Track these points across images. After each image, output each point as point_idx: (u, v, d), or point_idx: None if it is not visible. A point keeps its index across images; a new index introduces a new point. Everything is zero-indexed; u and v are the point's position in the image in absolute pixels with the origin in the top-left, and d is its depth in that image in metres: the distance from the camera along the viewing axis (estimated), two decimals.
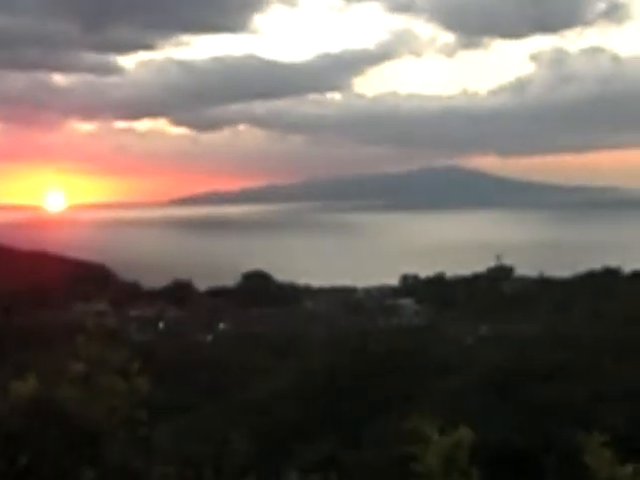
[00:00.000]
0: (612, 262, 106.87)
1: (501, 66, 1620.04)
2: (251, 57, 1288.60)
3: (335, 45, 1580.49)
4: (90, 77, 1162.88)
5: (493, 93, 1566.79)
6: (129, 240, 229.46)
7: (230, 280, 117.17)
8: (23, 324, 70.66)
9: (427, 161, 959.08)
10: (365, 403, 39.37)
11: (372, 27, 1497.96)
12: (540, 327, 65.19)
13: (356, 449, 33.73)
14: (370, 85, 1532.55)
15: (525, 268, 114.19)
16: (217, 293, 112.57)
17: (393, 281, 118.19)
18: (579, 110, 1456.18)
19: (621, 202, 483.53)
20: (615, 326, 49.94)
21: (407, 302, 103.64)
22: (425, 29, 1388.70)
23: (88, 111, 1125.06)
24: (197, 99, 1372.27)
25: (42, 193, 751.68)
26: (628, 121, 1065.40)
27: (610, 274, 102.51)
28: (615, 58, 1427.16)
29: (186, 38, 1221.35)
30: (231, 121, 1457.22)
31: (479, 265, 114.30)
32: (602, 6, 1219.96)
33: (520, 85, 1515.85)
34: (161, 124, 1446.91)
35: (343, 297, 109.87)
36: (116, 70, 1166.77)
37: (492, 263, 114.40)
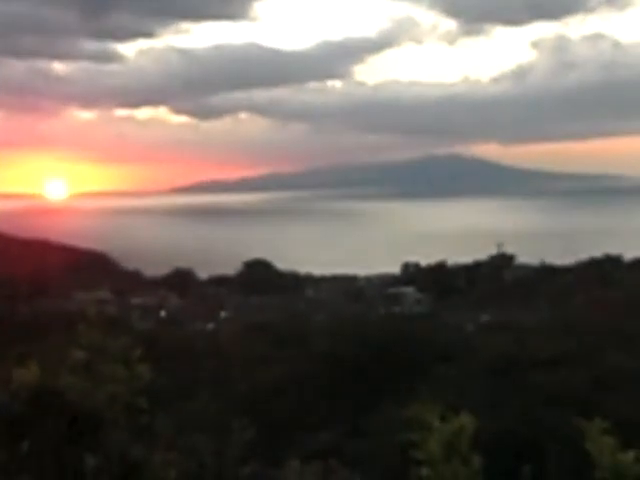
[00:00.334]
0: (613, 250, 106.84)
1: (502, 53, 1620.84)
2: (252, 45, 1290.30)
3: (336, 33, 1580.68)
4: (90, 65, 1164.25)
5: (495, 80, 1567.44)
6: (130, 228, 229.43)
7: (231, 268, 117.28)
8: (24, 312, 70.72)
9: (428, 149, 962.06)
10: (366, 391, 39.45)
11: (373, 15, 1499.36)
12: (541, 315, 65.33)
13: (357, 437, 33.83)
14: (371, 73, 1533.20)
15: (526, 256, 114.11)
16: (218, 281, 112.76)
17: (394, 269, 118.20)
18: (581, 97, 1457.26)
19: (623, 189, 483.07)
20: (616, 313, 50.02)
21: (408, 290, 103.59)
22: (426, 16, 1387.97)
23: (88, 99, 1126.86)
24: (197, 87, 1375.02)
25: (43, 181, 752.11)
26: (630, 108, 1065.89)
27: (611, 262, 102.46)
28: (616, 45, 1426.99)
29: (186, 26, 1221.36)
30: (232, 109, 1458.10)
31: (480, 253, 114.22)
32: None
33: (522, 72, 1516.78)
34: (161, 112, 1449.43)
35: (344, 285, 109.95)
36: (116, 58, 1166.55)
37: (493, 251, 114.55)
